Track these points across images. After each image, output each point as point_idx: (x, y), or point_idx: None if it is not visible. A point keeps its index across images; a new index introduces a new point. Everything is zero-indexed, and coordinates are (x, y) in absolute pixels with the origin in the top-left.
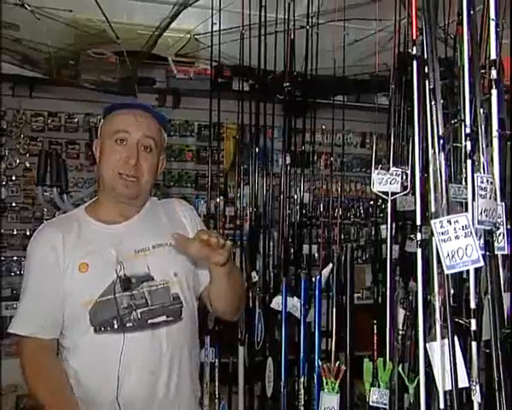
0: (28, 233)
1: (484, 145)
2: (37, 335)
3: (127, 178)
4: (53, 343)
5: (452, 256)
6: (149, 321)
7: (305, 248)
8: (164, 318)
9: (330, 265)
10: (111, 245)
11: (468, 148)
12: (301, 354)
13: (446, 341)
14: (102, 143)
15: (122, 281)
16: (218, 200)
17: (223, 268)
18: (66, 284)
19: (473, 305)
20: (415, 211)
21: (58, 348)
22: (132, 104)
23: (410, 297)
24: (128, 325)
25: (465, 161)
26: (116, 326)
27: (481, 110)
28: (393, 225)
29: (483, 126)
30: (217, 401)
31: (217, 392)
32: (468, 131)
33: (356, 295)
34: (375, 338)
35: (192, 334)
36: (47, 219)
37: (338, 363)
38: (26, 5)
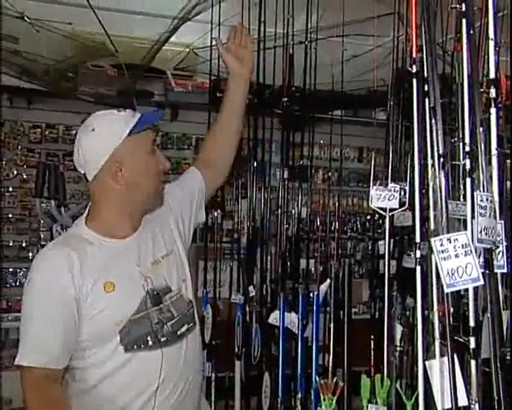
0: (24, 245)
1: (483, 163)
2: (49, 365)
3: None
4: (60, 374)
5: (452, 274)
6: (178, 332)
7: (303, 262)
8: (186, 326)
9: (328, 280)
10: (131, 260)
11: (468, 166)
12: (298, 370)
13: (445, 359)
14: (135, 161)
15: (152, 296)
16: (215, 213)
17: (246, 73)
18: (88, 305)
19: (472, 323)
20: (413, 228)
21: (67, 370)
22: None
23: (408, 313)
24: (162, 339)
25: (463, 179)
26: (151, 343)
27: (480, 129)
28: (391, 241)
29: (482, 145)
30: None
31: (213, 407)
32: (467, 149)
33: (353, 309)
34: (373, 354)
35: (200, 333)
36: (43, 231)
37: (335, 379)
38: (25, 17)
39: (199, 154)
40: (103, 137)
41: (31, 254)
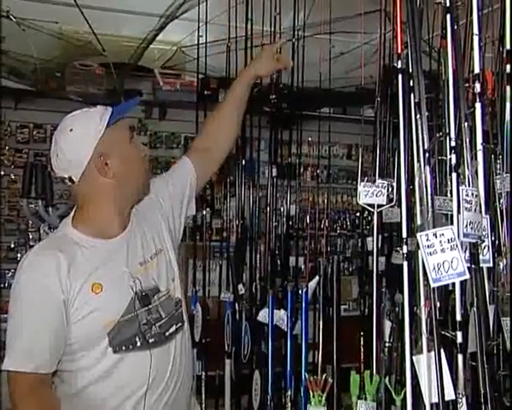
0: (13, 246)
1: (468, 158)
2: (40, 370)
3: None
4: (50, 377)
5: (438, 269)
6: (166, 333)
7: (292, 260)
8: (174, 327)
9: (317, 277)
10: (119, 261)
11: (453, 161)
12: (288, 367)
13: (433, 354)
14: (118, 151)
15: (141, 297)
16: (204, 212)
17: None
18: (76, 308)
19: (458, 317)
20: (400, 223)
21: (55, 373)
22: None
23: (397, 309)
24: (151, 341)
25: (450, 174)
26: (139, 344)
27: (466, 123)
28: (379, 237)
29: (467, 140)
30: None
31: (203, 405)
32: (452, 144)
33: (342, 306)
34: (362, 350)
35: (190, 332)
36: (32, 232)
37: (325, 376)
38: (11, 16)
39: (195, 139)
40: (83, 134)
41: (19, 255)
